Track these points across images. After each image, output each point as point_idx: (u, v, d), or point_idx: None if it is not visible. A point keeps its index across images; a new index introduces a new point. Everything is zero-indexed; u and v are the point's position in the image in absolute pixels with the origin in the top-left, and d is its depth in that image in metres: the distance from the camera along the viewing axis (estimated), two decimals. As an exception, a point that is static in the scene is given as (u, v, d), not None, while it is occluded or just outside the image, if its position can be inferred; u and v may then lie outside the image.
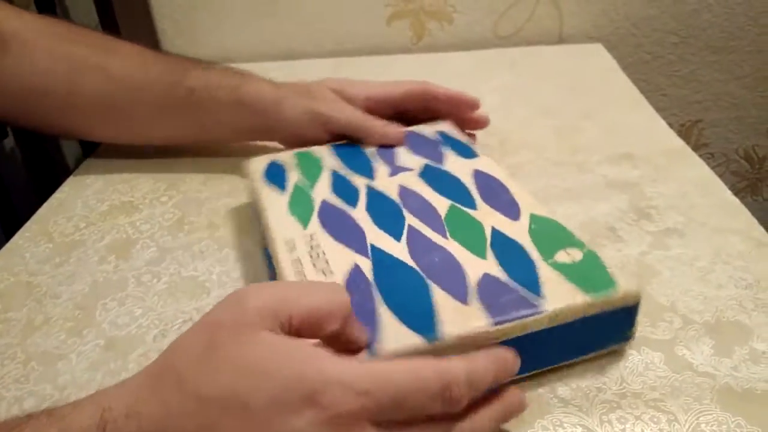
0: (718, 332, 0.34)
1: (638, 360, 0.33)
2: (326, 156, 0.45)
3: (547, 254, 0.33)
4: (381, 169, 0.43)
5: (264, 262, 0.41)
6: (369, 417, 0.23)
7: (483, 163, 0.43)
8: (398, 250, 0.34)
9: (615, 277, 0.31)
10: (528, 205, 0.37)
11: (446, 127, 0.48)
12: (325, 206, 0.39)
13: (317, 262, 0.34)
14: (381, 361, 0.26)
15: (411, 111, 0.50)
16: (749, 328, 0.34)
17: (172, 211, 0.48)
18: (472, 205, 0.38)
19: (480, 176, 0.41)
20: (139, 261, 0.42)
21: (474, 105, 0.50)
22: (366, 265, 0.33)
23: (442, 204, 0.38)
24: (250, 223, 0.45)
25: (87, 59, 0.47)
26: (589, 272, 0.31)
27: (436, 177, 0.41)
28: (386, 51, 0.78)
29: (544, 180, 0.48)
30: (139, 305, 0.39)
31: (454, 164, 0.43)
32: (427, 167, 0.43)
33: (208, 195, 0.49)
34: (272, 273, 0.36)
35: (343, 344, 0.27)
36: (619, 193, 0.46)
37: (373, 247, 0.35)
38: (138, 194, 0.50)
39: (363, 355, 0.28)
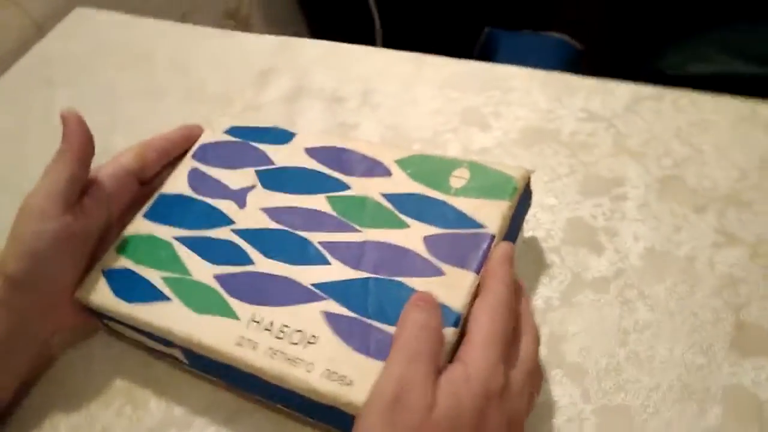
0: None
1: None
2: (164, 232, 0.38)
3: (445, 188, 0.35)
4: (226, 205, 0.39)
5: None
6: None
7: (308, 140, 0.41)
8: (337, 271, 0.33)
9: (506, 171, 0.35)
10: (383, 154, 0.38)
11: (229, 122, 0.44)
12: (226, 280, 0.35)
13: (286, 336, 0.31)
14: None
15: None
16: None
17: None
18: (342, 185, 0.37)
19: (316, 153, 0.40)
20: None
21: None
22: (333, 307, 0.32)
23: (318, 202, 0.37)
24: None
25: None
26: (485, 181, 0.35)
27: (279, 179, 0.39)
28: None
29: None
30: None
31: (283, 155, 0.40)
32: (261, 174, 0.40)
33: None
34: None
35: None
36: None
37: (318, 286, 0.33)
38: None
39: None
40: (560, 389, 0.33)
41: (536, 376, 0.30)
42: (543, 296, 0.37)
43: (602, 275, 0.37)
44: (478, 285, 0.31)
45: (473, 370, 0.27)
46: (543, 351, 0.35)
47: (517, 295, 0.32)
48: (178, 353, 0.35)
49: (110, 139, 0.54)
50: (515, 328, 0.30)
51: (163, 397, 0.38)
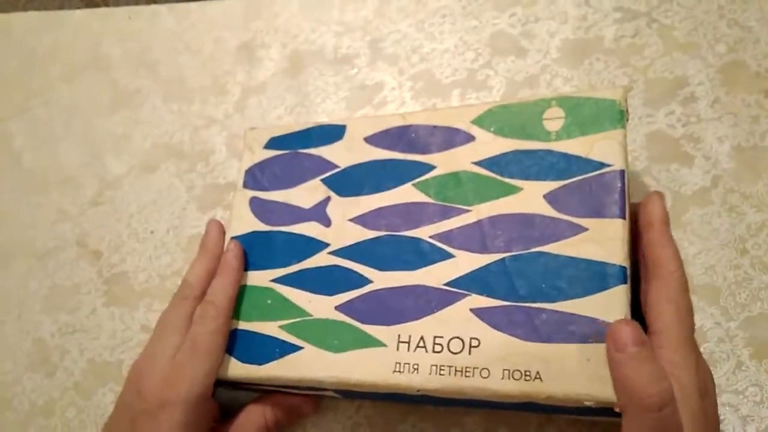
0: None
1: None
2: (257, 278, 0.35)
3: (543, 135, 0.32)
4: (309, 228, 0.35)
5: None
6: None
7: (363, 128, 0.36)
8: (466, 262, 0.31)
9: (604, 94, 0.31)
10: (455, 118, 0.34)
11: (266, 134, 0.40)
12: (350, 308, 0.32)
13: (444, 347, 0.30)
14: None
15: None
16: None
17: None
18: (426, 167, 0.34)
19: (379, 140, 0.36)
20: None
21: None
22: (480, 302, 0.30)
23: (407, 193, 0.34)
24: None
25: None
26: (585, 113, 0.31)
27: (353, 181, 0.35)
28: None
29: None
30: None
31: (344, 154, 0.36)
32: (329, 181, 0.36)
33: None
34: None
35: None
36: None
37: (452, 284, 0.31)
38: None
39: None
40: (701, 314, 0.34)
41: None
42: (651, 224, 0.37)
43: (700, 187, 0.37)
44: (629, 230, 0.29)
45: (683, 378, 0.25)
46: (672, 281, 0.35)
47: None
48: (329, 393, 0.34)
49: (102, 164, 0.48)
50: None
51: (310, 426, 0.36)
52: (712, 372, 0.32)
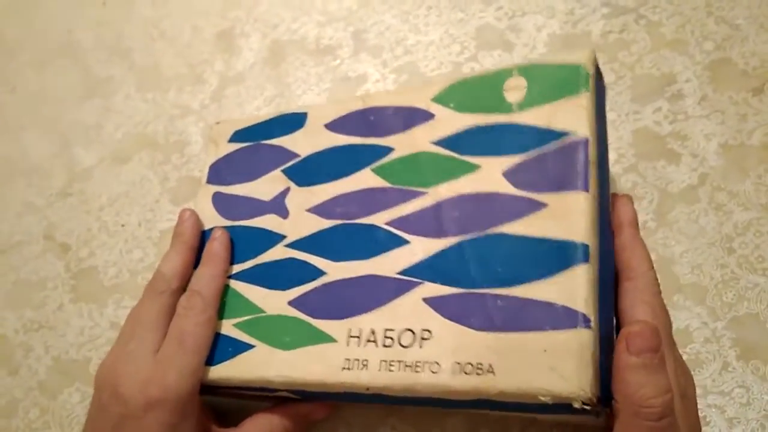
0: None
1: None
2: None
3: (503, 106, 0.29)
4: (267, 221, 0.34)
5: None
6: None
7: (324, 114, 0.35)
8: (421, 248, 0.29)
9: (569, 60, 0.29)
10: (415, 97, 0.32)
11: (230, 128, 0.38)
12: (302, 302, 0.31)
13: (395, 340, 0.28)
14: None
15: None
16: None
17: None
18: (383, 150, 0.32)
19: (339, 126, 0.34)
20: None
21: None
22: (433, 290, 0.28)
23: (364, 178, 0.32)
24: None
25: None
26: (549, 81, 0.29)
27: (312, 170, 0.34)
28: None
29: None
30: None
31: (304, 142, 0.35)
32: (290, 172, 0.35)
33: None
34: None
35: None
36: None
37: (406, 272, 0.29)
38: None
39: None
40: (687, 313, 0.33)
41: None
42: (638, 220, 0.36)
43: (687, 185, 0.36)
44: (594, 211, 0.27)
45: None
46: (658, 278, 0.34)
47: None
48: (285, 394, 0.32)
49: (72, 154, 0.46)
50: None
51: None
52: (699, 373, 0.32)
